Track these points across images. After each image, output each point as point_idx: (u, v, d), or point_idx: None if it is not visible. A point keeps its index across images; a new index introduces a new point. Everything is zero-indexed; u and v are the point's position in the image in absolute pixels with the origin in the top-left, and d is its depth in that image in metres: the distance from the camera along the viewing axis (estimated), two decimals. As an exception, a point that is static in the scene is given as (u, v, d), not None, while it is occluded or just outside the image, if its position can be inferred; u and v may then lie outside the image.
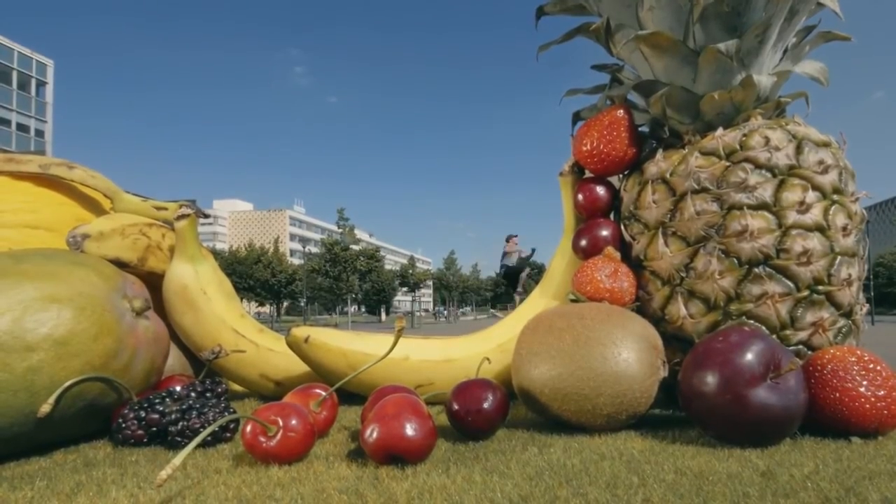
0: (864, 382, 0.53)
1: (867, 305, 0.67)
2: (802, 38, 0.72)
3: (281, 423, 0.48)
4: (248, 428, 0.49)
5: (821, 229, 0.62)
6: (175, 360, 0.81)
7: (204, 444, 0.56)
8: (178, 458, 0.39)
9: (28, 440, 0.55)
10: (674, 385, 0.57)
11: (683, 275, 0.65)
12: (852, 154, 0.68)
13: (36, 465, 0.52)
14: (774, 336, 0.61)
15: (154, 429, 0.58)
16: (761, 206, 0.62)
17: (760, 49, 0.66)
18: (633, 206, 0.69)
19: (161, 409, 0.58)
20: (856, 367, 0.54)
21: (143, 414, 0.58)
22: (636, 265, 0.70)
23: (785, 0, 0.63)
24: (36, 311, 0.55)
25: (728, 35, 0.65)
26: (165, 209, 0.87)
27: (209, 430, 0.44)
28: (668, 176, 0.66)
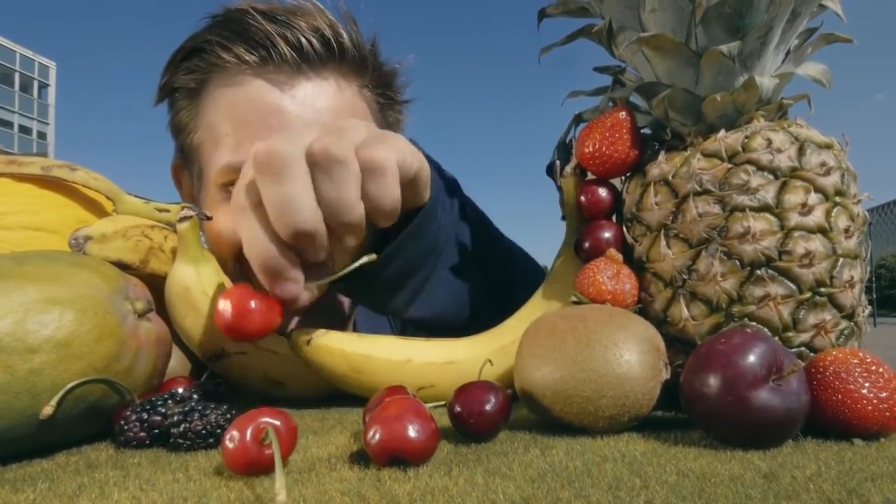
0: (867, 384, 0.53)
1: (869, 307, 0.67)
2: (804, 40, 0.72)
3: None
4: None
5: (823, 231, 0.62)
6: (177, 362, 0.81)
7: (207, 446, 0.56)
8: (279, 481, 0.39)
9: (30, 442, 0.55)
10: (676, 387, 0.57)
11: (686, 277, 0.65)
12: (854, 156, 0.68)
13: (38, 466, 0.52)
14: (777, 338, 0.61)
15: (156, 430, 0.58)
16: (763, 208, 0.62)
17: (762, 51, 0.66)
18: (636, 208, 0.69)
19: (163, 410, 0.58)
20: (858, 369, 0.54)
21: (145, 416, 0.58)
22: (638, 267, 0.70)
23: (787, 2, 0.63)
24: (38, 314, 0.55)
25: (730, 37, 0.65)
26: (167, 211, 0.87)
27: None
28: (670, 178, 0.66)
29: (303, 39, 0.83)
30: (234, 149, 0.84)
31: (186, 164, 0.95)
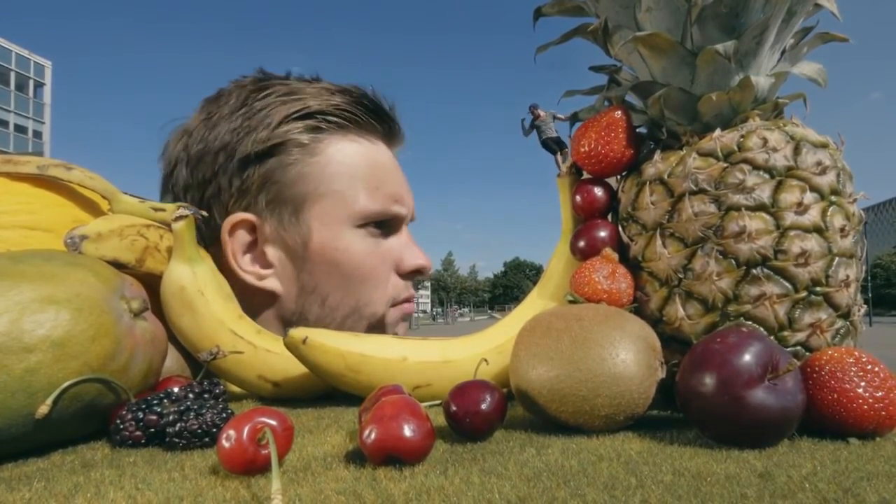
0: (862, 384, 0.53)
1: (865, 306, 0.67)
2: (800, 39, 0.72)
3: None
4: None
5: (819, 230, 0.62)
6: (173, 362, 0.81)
7: (202, 446, 0.56)
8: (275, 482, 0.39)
9: (26, 441, 0.55)
10: (672, 386, 0.57)
11: (681, 276, 0.65)
12: (850, 155, 0.68)
13: (34, 466, 0.52)
14: (772, 337, 0.61)
15: (152, 430, 0.58)
16: (759, 208, 0.62)
17: (758, 50, 0.66)
18: (631, 208, 0.70)
19: (159, 410, 0.58)
20: (854, 369, 0.54)
21: (140, 415, 0.58)
22: (634, 266, 0.70)
23: (783, 1, 0.63)
24: (34, 313, 0.55)
25: (726, 36, 0.65)
26: (163, 210, 0.87)
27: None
28: (666, 177, 0.66)
29: (392, 114, 1.05)
30: (374, 196, 0.98)
31: (276, 211, 0.97)
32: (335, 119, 0.98)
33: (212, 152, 0.96)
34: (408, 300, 1.06)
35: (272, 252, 0.96)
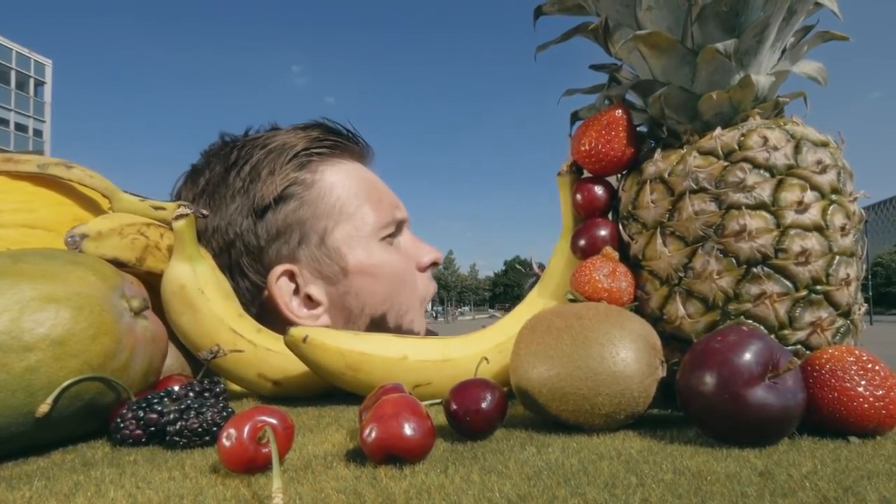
0: (863, 382, 0.53)
1: (866, 305, 0.67)
2: (801, 37, 0.72)
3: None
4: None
5: (819, 229, 0.62)
6: (173, 360, 0.81)
7: (203, 444, 0.56)
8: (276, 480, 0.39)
9: (26, 440, 0.55)
10: (672, 385, 0.57)
11: (682, 274, 0.65)
12: (850, 154, 0.68)
13: (34, 464, 0.52)
14: (773, 336, 0.61)
15: (152, 428, 0.58)
16: (760, 206, 0.62)
17: (759, 49, 0.66)
18: (632, 206, 0.70)
19: (159, 408, 0.58)
20: (854, 367, 0.54)
21: (141, 414, 0.58)
22: (634, 265, 0.70)
23: (783, 0, 0.63)
24: (34, 311, 0.55)
25: (726, 35, 0.65)
26: (164, 209, 0.87)
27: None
28: (666, 176, 0.66)
29: (359, 135, 1.13)
30: (380, 209, 1.05)
31: (306, 249, 1.01)
32: (319, 151, 1.04)
33: (225, 218, 0.98)
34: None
35: (315, 290, 0.99)
